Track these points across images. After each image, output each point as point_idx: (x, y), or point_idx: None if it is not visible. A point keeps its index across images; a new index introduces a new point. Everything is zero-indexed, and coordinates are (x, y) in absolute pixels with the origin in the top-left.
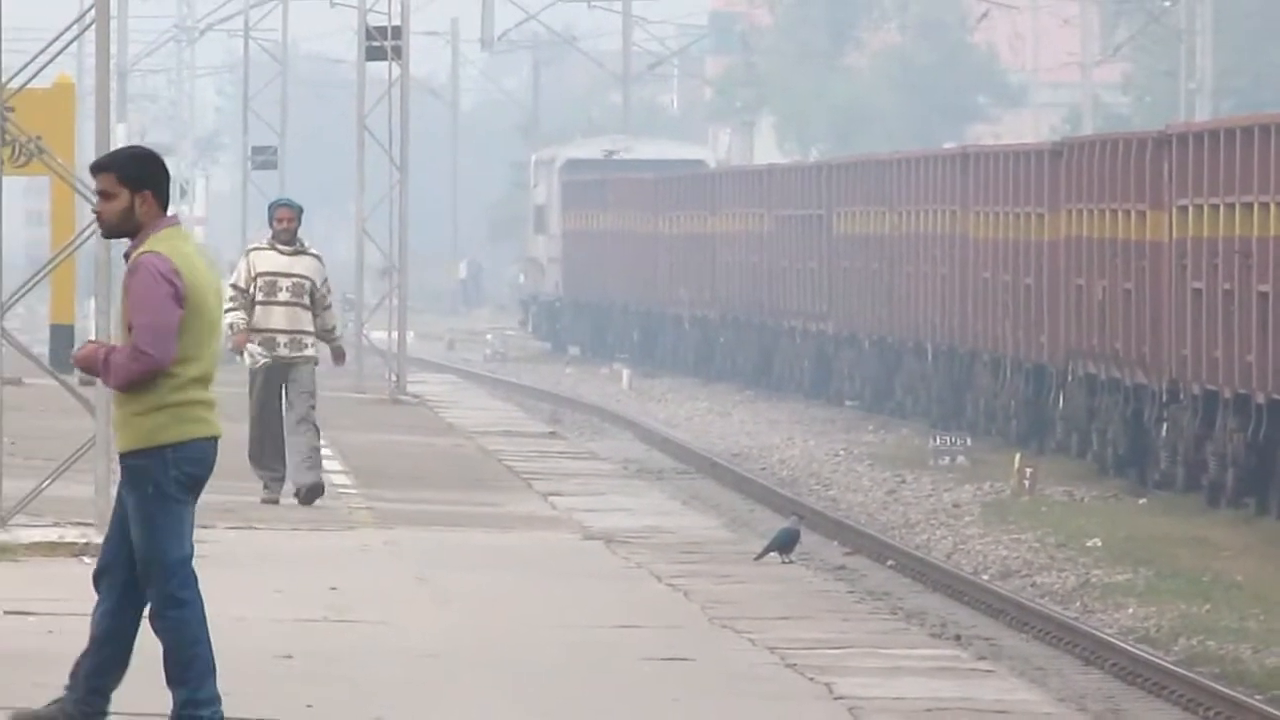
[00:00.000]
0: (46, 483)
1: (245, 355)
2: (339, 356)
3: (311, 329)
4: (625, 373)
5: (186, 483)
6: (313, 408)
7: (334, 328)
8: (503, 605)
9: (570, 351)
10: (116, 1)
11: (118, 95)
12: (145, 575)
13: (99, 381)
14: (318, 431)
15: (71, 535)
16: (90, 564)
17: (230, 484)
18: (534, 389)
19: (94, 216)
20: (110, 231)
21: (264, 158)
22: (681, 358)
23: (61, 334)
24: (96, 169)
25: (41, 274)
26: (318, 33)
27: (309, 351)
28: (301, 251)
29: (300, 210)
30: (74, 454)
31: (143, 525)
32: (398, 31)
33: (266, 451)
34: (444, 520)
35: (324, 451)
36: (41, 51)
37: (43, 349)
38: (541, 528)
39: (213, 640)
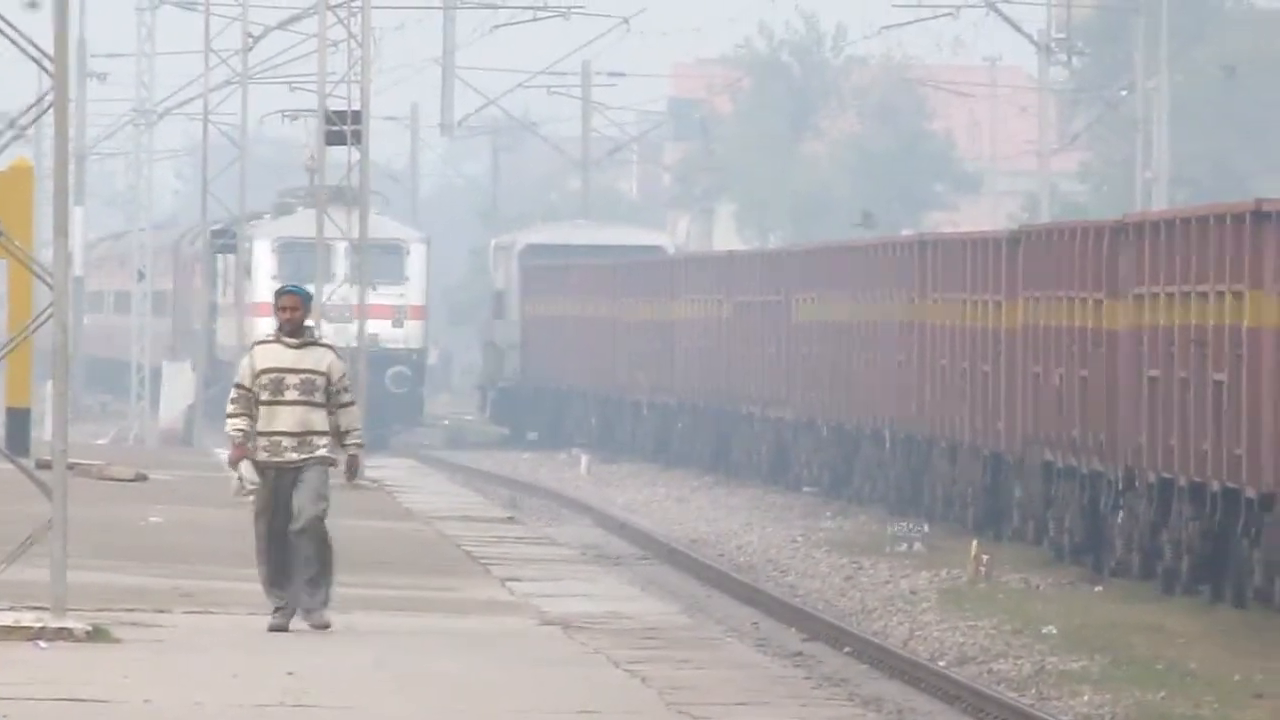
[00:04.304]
0: (3, 566)
1: (236, 479)
2: (351, 469)
3: (325, 429)
4: (584, 458)
5: None
6: (323, 513)
7: (350, 430)
8: (461, 691)
9: (529, 437)
10: (75, 85)
11: (76, 178)
12: None
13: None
14: (328, 544)
15: (28, 619)
16: (47, 648)
17: (191, 568)
18: (492, 474)
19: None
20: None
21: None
22: (640, 443)
23: (18, 417)
24: None
25: None
26: (277, 117)
27: (321, 452)
28: (311, 343)
29: (308, 297)
30: (29, 538)
31: None
32: (357, 116)
33: (274, 571)
34: (402, 605)
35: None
36: None
37: None
38: (499, 613)
39: None
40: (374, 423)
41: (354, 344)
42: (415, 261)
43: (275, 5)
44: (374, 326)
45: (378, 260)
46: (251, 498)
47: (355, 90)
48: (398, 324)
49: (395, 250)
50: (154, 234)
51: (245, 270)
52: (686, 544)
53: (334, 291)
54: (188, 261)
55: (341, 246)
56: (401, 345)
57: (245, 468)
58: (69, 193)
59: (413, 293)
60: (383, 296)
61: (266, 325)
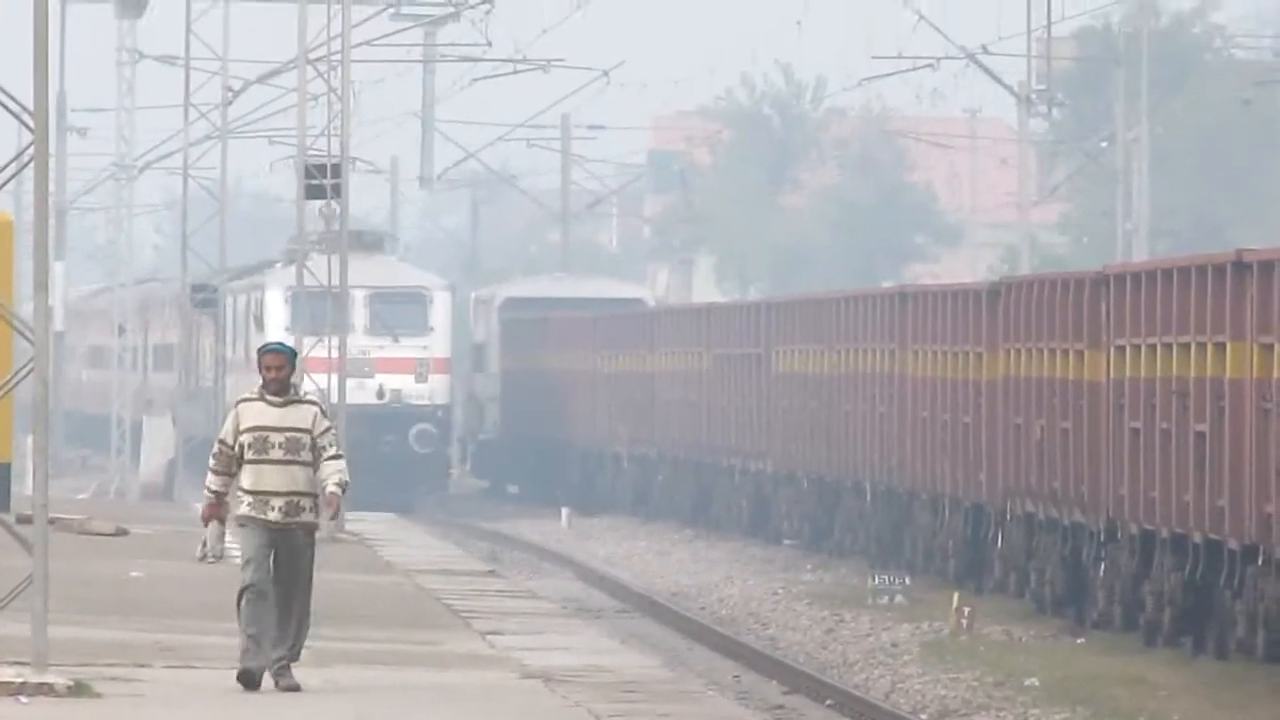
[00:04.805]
0: None
1: (201, 542)
2: (330, 506)
3: (312, 490)
4: (564, 511)
5: None
6: (306, 580)
7: (330, 477)
8: None
9: (509, 490)
10: (55, 139)
11: (56, 233)
12: None
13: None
14: (307, 609)
15: (9, 674)
16: (28, 703)
17: (171, 622)
18: (473, 527)
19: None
20: None
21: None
22: (621, 496)
23: None
24: None
25: None
26: (257, 170)
27: (306, 517)
28: (295, 401)
29: (293, 354)
30: (11, 592)
31: None
32: (337, 170)
33: (255, 623)
34: (383, 659)
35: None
36: None
37: None
38: (480, 666)
39: None
40: (397, 486)
41: (372, 400)
42: (439, 311)
43: (255, 60)
44: (396, 381)
45: (399, 310)
46: (213, 562)
47: (335, 144)
48: (421, 378)
49: (418, 299)
50: (151, 288)
51: (256, 321)
52: (667, 597)
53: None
54: (196, 313)
55: (360, 295)
56: (426, 401)
57: (213, 532)
58: (49, 247)
59: (437, 344)
60: (405, 349)
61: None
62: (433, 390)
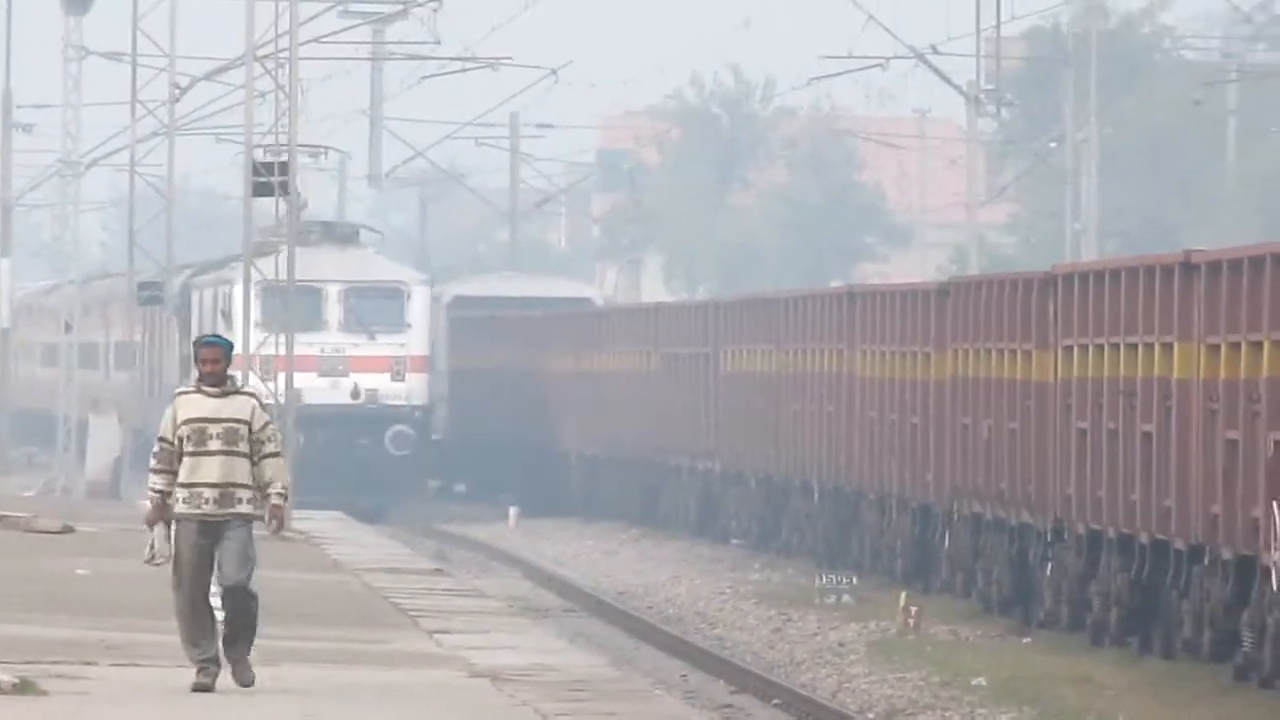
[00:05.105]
0: None
1: (148, 544)
2: (274, 518)
3: (248, 482)
4: (512, 511)
5: None
6: (249, 576)
7: (272, 481)
8: None
9: (457, 489)
10: (1, 136)
11: (2, 230)
12: None
13: None
14: (254, 607)
15: None
16: None
17: (118, 620)
18: (421, 527)
19: None
20: None
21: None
22: (569, 496)
23: None
24: None
25: None
26: (206, 168)
27: (242, 508)
28: (233, 392)
29: (229, 347)
30: None
31: None
32: (284, 167)
33: (195, 629)
34: (330, 658)
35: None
36: None
37: None
38: (428, 665)
39: None
40: (373, 490)
41: (347, 400)
42: (417, 306)
43: (202, 56)
44: (372, 381)
45: (375, 306)
46: (161, 564)
47: (283, 141)
48: (398, 377)
49: (395, 294)
50: (110, 284)
51: (224, 316)
52: (614, 596)
53: (324, 343)
54: (163, 311)
55: (334, 290)
56: (403, 401)
57: (159, 534)
58: None
59: (415, 342)
60: (381, 346)
61: (251, 379)
62: (410, 390)
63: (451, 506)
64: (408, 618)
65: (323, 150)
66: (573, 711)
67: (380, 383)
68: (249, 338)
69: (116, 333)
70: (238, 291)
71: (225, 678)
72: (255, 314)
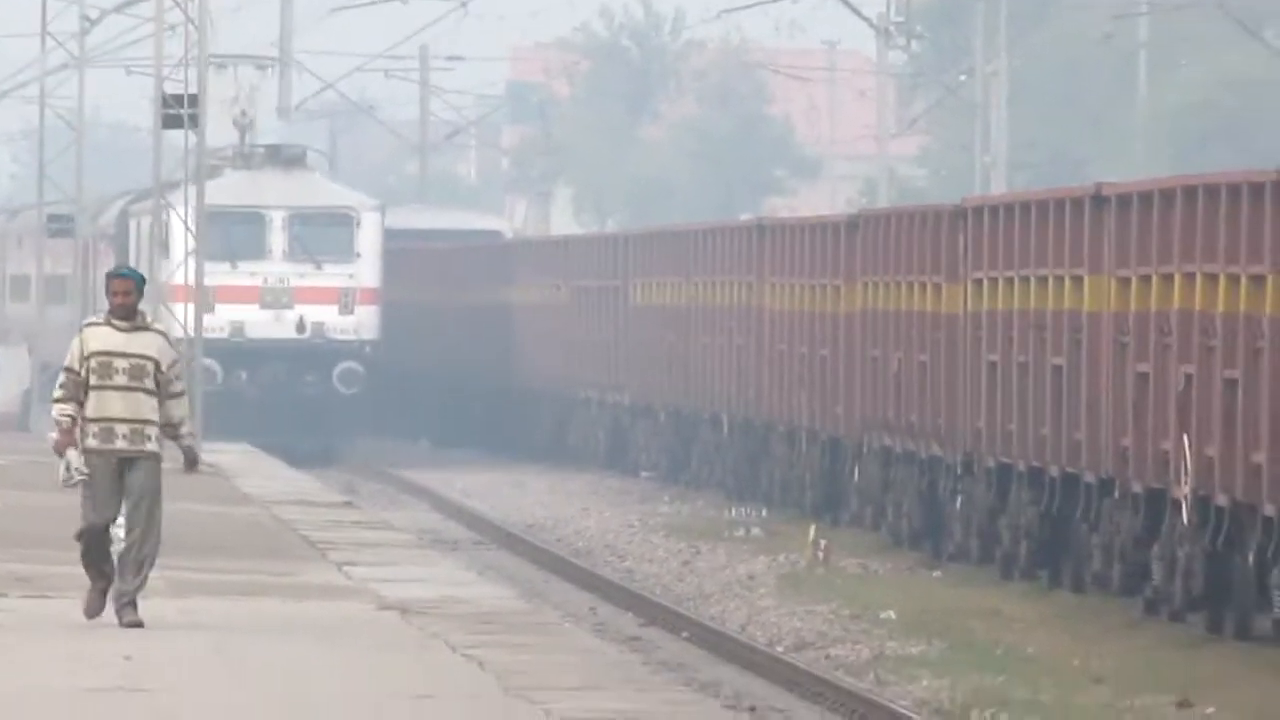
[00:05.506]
0: None
1: (63, 466)
2: (190, 462)
3: (155, 419)
4: (423, 443)
5: None
6: (153, 512)
7: (182, 421)
8: (298, 675)
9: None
10: None
11: None
12: None
13: None
14: (156, 542)
15: None
16: None
17: (27, 552)
18: (330, 459)
19: None
20: None
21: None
22: (478, 428)
23: None
24: None
25: None
26: (116, 102)
27: (150, 445)
28: (142, 328)
29: (142, 280)
30: None
31: None
32: (194, 100)
33: (95, 551)
34: (239, 590)
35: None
36: None
37: None
38: (336, 597)
39: (4, 710)
40: (321, 430)
41: (222, 334)
42: (368, 234)
43: None
44: (318, 313)
45: (322, 232)
46: (79, 485)
47: (192, 74)
48: (346, 310)
49: (344, 221)
50: (27, 216)
51: (161, 246)
52: (523, 529)
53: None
54: (92, 241)
55: (278, 217)
56: (352, 336)
57: (73, 455)
58: None
59: (365, 272)
60: (328, 276)
61: (185, 312)
62: (359, 323)
63: (363, 441)
64: (316, 550)
65: (270, 61)
66: (482, 644)
67: (328, 315)
68: (187, 268)
69: (48, 265)
70: (175, 218)
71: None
72: (194, 243)
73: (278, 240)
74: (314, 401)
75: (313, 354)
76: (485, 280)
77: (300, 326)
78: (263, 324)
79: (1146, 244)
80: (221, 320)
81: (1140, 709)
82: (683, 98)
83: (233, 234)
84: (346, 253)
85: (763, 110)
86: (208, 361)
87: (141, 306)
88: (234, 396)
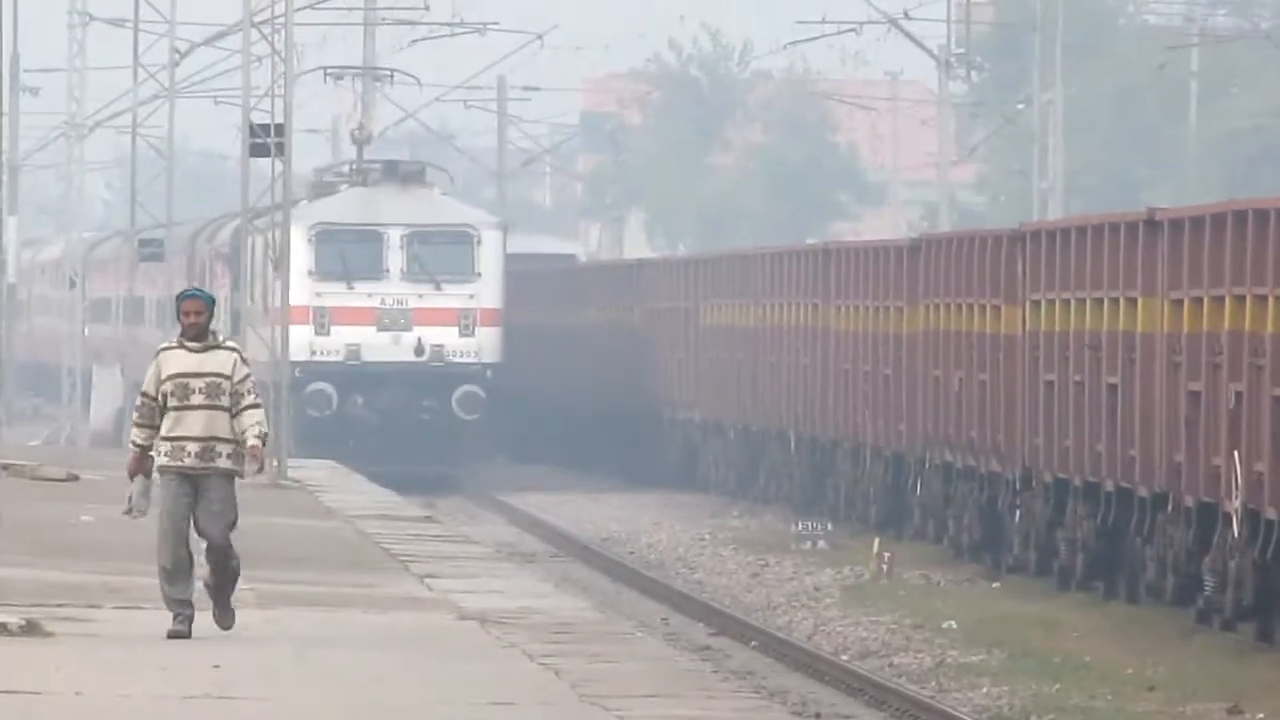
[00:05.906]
0: None
1: (127, 495)
2: (253, 459)
3: (230, 436)
4: (501, 459)
5: None
6: (229, 529)
7: (250, 428)
8: (380, 683)
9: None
10: (7, 98)
11: (8, 189)
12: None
13: None
14: (234, 562)
15: None
16: None
17: (116, 565)
18: (410, 474)
19: None
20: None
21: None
22: (555, 445)
23: None
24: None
25: None
26: (205, 130)
27: (222, 463)
28: (214, 347)
29: (211, 301)
30: None
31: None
32: (280, 129)
33: (173, 576)
34: (323, 601)
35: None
36: None
37: None
38: (418, 609)
39: (101, 717)
40: (440, 457)
41: (338, 357)
42: (489, 253)
43: (201, 22)
44: (438, 335)
45: (442, 251)
46: (137, 518)
47: (278, 104)
48: (466, 331)
49: (464, 239)
50: (118, 242)
51: (275, 265)
52: (598, 542)
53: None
54: (206, 261)
55: (396, 235)
56: (473, 359)
57: (137, 487)
58: (2, 203)
59: (486, 292)
60: (447, 297)
61: (304, 332)
62: (480, 346)
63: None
64: (398, 562)
65: (388, 73)
66: (558, 653)
67: (447, 337)
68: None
69: (156, 289)
70: (293, 235)
71: (209, 621)
72: (309, 261)
73: (395, 260)
74: (432, 428)
75: (431, 378)
76: (561, 302)
77: (419, 349)
78: (380, 347)
79: (1198, 267)
80: (337, 343)
81: (1192, 715)
82: (750, 126)
83: (349, 253)
84: (467, 272)
85: (828, 138)
86: (322, 385)
87: (233, 328)
88: (349, 422)
